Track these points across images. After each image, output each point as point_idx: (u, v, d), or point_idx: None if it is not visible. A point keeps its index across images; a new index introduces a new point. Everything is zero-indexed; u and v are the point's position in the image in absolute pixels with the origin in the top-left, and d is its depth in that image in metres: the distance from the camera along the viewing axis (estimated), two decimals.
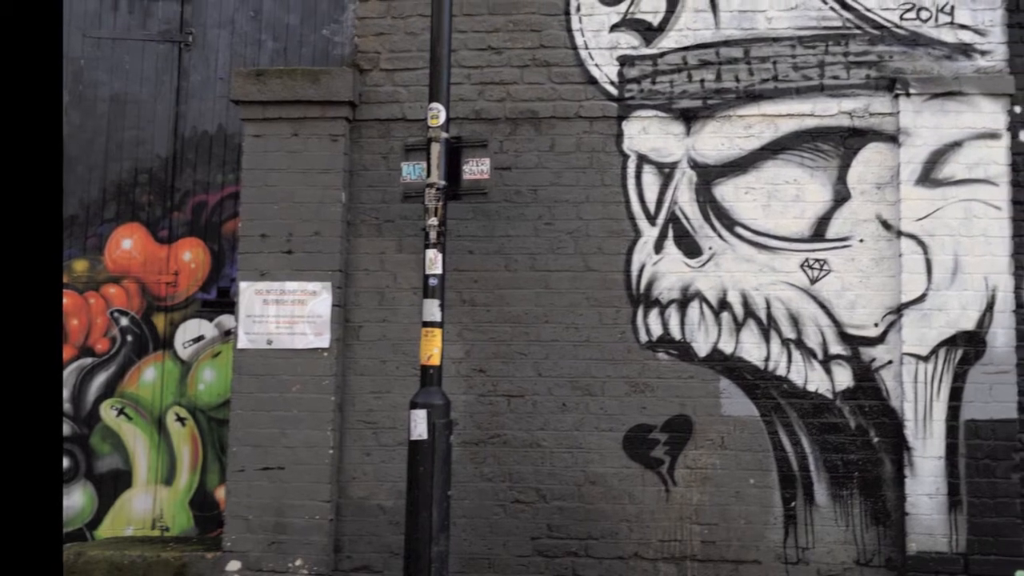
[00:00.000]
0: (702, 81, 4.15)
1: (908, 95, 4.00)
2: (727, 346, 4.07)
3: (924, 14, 4.09)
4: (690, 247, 4.12)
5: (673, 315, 4.11)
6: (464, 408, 4.18)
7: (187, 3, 4.86)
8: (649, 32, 4.22)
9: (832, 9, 4.13)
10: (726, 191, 4.11)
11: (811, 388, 4.02)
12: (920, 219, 3.95)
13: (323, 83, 4.24)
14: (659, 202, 4.13)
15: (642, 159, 4.15)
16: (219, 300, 4.71)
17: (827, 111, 4.08)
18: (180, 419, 4.68)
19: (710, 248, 4.10)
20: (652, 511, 4.09)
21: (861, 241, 4.03)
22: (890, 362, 3.99)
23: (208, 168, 4.76)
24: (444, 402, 3.67)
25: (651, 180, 4.15)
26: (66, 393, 4.70)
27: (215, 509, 4.59)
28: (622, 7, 4.22)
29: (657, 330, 4.11)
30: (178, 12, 4.85)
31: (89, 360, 4.72)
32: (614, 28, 4.20)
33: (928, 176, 3.98)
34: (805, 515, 4.01)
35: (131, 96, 4.81)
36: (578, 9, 4.25)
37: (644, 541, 4.08)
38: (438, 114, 3.73)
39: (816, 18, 4.14)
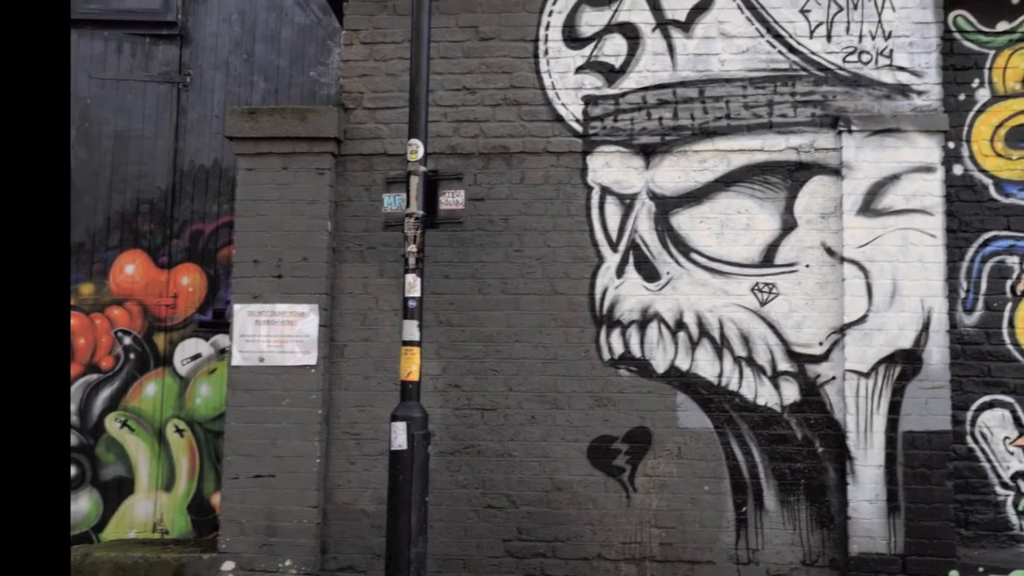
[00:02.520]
0: (660, 119, 4.33)
1: (850, 132, 4.20)
2: (683, 363, 4.23)
3: (865, 57, 4.28)
4: (649, 272, 4.28)
5: (633, 335, 4.27)
6: (441, 420, 4.28)
7: (185, 47, 4.93)
8: (611, 74, 4.38)
9: (780, 53, 4.31)
10: (682, 220, 4.28)
11: (761, 402, 4.19)
12: (861, 246, 4.15)
13: (310, 121, 4.36)
14: (620, 230, 4.30)
15: (605, 191, 4.32)
16: (215, 321, 4.75)
17: (776, 147, 4.27)
18: (179, 431, 4.72)
19: (667, 273, 4.27)
20: (614, 516, 4.21)
21: (807, 266, 4.21)
22: (833, 378, 4.16)
23: (204, 199, 4.83)
24: (422, 415, 3.75)
25: (613, 210, 4.31)
26: (73, 407, 4.75)
27: (211, 513, 4.70)
28: (586, 51, 4.40)
29: (619, 348, 4.26)
30: (177, 55, 4.91)
31: (95, 376, 4.81)
32: (579, 70, 4.39)
33: (869, 206, 4.17)
34: (755, 519, 4.16)
35: (133, 133, 4.90)
36: (546, 52, 4.42)
37: (607, 543, 4.20)
38: (417, 149, 3.88)
39: (765, 61, 4.32)
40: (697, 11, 4.41)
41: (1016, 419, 4.23)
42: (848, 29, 4.35)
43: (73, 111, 4.90)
